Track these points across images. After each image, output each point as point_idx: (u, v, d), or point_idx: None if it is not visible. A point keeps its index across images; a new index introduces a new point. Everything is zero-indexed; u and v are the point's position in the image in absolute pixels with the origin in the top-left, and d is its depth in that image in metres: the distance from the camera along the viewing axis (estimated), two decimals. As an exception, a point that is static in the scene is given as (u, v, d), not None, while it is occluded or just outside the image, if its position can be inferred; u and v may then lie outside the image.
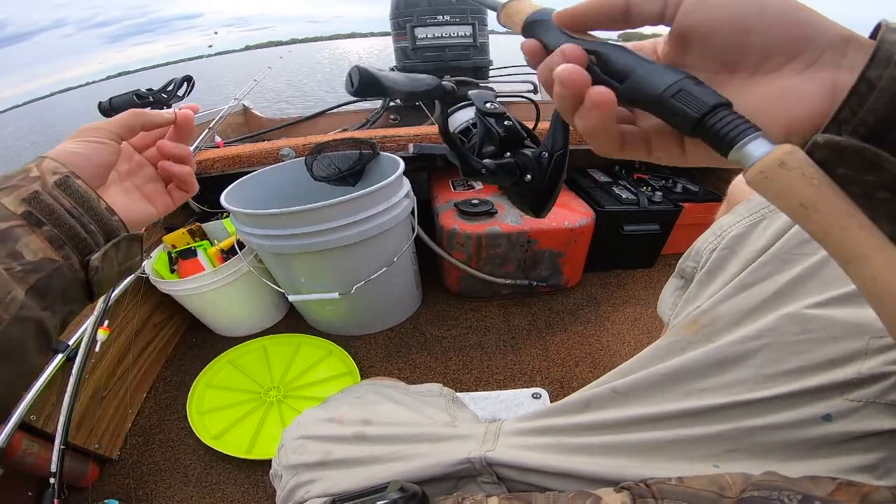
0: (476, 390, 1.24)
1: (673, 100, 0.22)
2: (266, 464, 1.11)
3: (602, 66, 0.26)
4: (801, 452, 0.36)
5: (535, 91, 2.68)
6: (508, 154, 0.43)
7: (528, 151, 0.42)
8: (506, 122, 0.45)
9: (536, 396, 1.03)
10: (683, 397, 0.41)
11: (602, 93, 0.24)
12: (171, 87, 1.64)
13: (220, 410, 1.26)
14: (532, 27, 0.30)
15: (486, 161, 0.42)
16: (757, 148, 0.20)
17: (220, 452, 1.14)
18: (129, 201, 0.41)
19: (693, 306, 0.49)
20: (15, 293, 0.31)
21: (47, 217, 0.33)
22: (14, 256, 0.32)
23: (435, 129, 1.56)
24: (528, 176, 0.42)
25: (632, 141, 0.27)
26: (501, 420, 0.55)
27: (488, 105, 0.45)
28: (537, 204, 0.43)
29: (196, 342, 1.57)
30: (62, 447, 0.94)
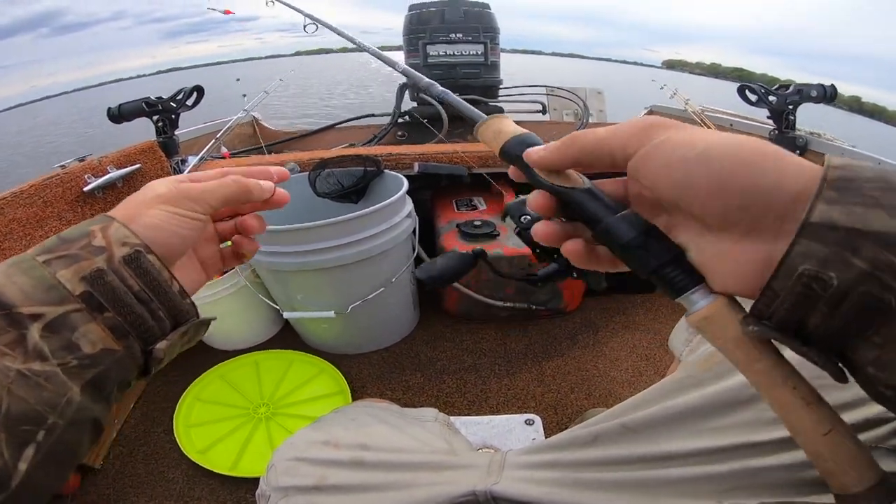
0: (469, 413, 1.22)
1: (634, 251, 0.27)
2: (251, 482, 1.09)
3: (573, 210, 0.29)
4: (805, 491, 0.36)
5: (543, 111, 2.69)
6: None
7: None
8: None
9: (529, 423, 1.01)
10: (693, 436, 0.42)
11: (571, 248, 0.29)
12: (180, 97, 1.65)
13: (208, 425, 1.24)
14: (511, 157, 0.32)
15: None
16: (694, 301, 0.25)
17: (205, 468, 1.11)
18: (189, 271, 0.36)
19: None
20: (71, 394, 0.27)
21: (111, 302, 0.28)
22: (69, 349, 0.27)
23: (440, 147, 1.56)
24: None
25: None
26: (506, 451, 0.54)
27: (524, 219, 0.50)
28: None
29: (188, 354, 1.54)
30: None
